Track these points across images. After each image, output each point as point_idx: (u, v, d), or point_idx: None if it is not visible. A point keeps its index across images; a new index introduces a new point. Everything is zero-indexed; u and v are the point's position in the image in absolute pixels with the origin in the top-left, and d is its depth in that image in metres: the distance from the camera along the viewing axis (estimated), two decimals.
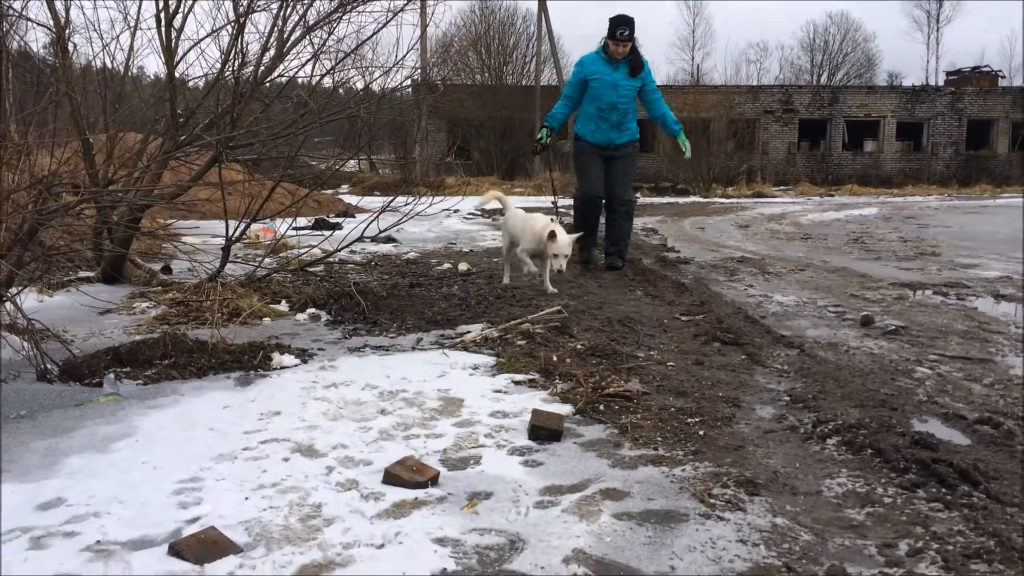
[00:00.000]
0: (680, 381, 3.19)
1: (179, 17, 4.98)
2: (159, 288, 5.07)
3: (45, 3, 4.68)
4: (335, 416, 2.73)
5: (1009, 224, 12.21)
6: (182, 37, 5.02)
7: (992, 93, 30.47)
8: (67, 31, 4.71)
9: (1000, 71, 33.51)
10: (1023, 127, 29.57)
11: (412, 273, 6.33)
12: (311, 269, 5.52)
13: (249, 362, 3.37)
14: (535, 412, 2.63)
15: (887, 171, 29.61)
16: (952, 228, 11.70)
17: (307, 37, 5.18)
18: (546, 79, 27.74)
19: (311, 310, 4.61)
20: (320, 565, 1.74)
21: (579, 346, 3.69)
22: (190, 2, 4.91)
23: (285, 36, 5.08)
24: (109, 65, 5.14)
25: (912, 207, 17.40)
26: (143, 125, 5.45)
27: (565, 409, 2.80)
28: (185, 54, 5.05)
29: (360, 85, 6.47)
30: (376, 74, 5.97)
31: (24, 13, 4.65)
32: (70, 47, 4.76)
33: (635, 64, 6.46)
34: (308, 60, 5.28)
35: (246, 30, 4.87)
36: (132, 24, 4.94)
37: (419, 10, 6.08)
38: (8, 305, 3.40)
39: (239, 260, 5.63)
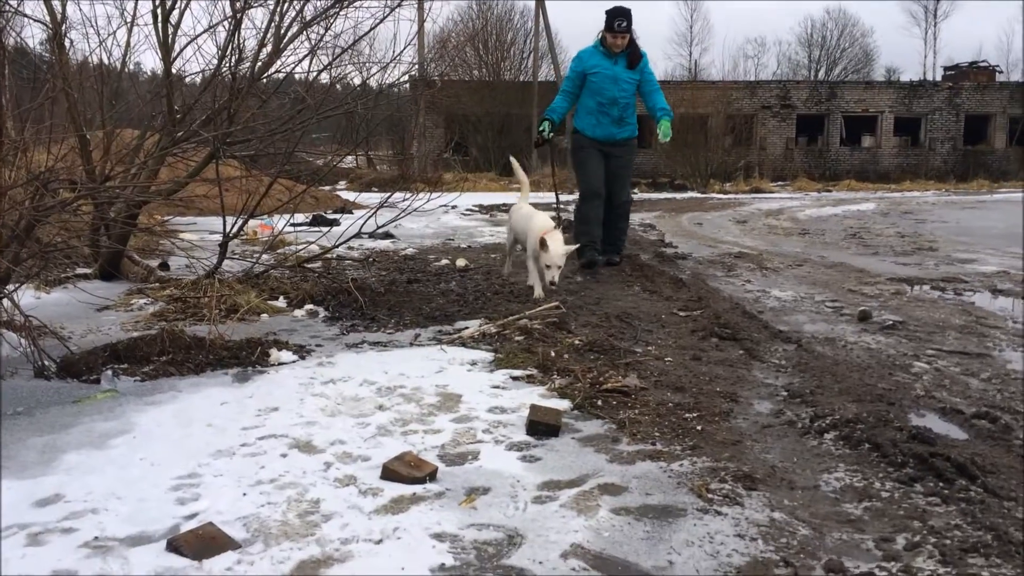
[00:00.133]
0: (678, 376, 3.20)
1: (176, 13, 4.98)
2: (157, 284, 5.06)
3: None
4: (333, 412, 2.74)
5: (1006, 219, 12.23)
6: (179, 33, 5.03)
7: (989, 88, 30.46)
8: (63, 27, 4.70)
9: (998, 66, 33.59)
10: (1020, 122, 29.57)
11: (410, 269, 6.33)
12: (309, 265, 5.52)
13: (247, 358, 3.38)
14: (533, 407, 2.63)
15: (885, 166, 29.59)
16: (949, 223, 11.71)
17: (304, 33, 5.18)
18: (544, 75, 27.75)
19: (309, 306, 4.60)
20: (318, 561, 1.74)
21: (577, 342, 3.69)
22: None
23: (282, 32, 5.08)
24: (106, 61, 5.14)
25: (910, 202, 17.40)
26: (140, 121, 5.45)
27: (563, 404, 2.80)
28: (182, 50, 5.07)
29: (357, 81, 6.48)
30: (373, 70, 5.98)
31: (20, 9, 4.65)
32: (67, 43, 4.75)
33: (633, 56, 6.38)
34: (305, 56, 5.29)
35: (243, 26, 4.88)
36: (129, 20, 4.95)
37: (416, 6, 6.07)
38: (5, 302, 3.40)
39: (237, 256, 5.62)
